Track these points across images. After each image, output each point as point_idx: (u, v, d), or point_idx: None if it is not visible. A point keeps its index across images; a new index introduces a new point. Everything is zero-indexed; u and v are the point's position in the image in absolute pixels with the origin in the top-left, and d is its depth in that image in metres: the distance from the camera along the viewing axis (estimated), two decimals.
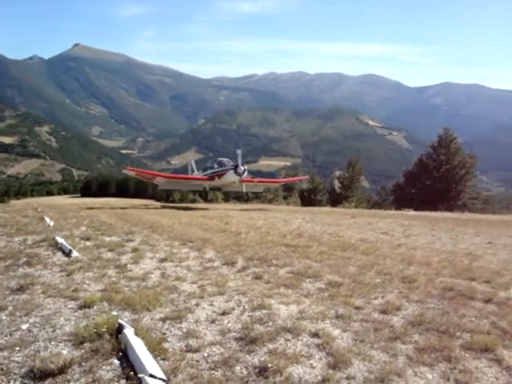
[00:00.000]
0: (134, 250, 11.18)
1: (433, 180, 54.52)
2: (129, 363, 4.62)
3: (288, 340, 5.41)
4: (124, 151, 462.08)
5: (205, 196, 40.33)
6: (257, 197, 54.02)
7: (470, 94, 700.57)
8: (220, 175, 33.89)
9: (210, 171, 35.61)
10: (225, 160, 35.30)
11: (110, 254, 10.63)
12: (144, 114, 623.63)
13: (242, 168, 32.37)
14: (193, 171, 42.29)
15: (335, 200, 57.70)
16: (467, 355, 5.11)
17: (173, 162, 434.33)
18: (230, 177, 33.20)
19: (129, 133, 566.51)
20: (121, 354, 4.82)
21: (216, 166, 35.10)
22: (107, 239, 13.05)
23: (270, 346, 5.19)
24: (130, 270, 8.96)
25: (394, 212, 32.77)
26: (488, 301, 7.20)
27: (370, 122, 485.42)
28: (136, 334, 5.12)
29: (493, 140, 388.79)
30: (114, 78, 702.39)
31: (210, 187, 37.78)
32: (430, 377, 4.61)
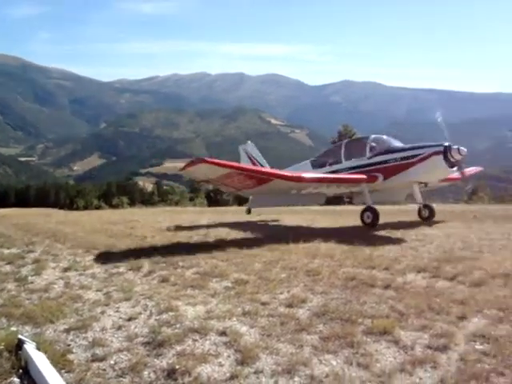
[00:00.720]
0: (35, 261, 10.79)
1: None
2: (30, 380, 4.47)
3: (196, 340, 5.43)
4: (23, 159, 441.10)
5: (373, 221, 16.56)
6: (163, 200, 53.05)
7: (368, 91, 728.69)
8: (395, 169, 16.56)
9: (348, 163, 17.87)
10: (382, 138, 18.42)
11: (8, 267, 10.20)
12: (42, 120, 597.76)
13: (464, 149, 16.00)
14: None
15: (242, 199, 58.22)
16: (368, 339, 5.35)
17: (75, 168, 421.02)
18: (433, 169, 16.27)
19: (27, 139, 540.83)
20: (21, 371, 4.64)
21: (369, 151, 17.48)
22: (6, 252, 12.49)
23: (178, 348, 5.19)
24: (31, 282, 8.64)
25: (299, 208, 33.53)
26: (387, 287, 7.57)
27: (273, 121, 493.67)
28: (38, 349, 4.95)
29: (389, 134, 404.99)
30: (8, 83, 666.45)
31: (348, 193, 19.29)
32: (334, 363, 4.78)
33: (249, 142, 24.81)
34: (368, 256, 10.34)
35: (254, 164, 23.25)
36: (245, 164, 17.75)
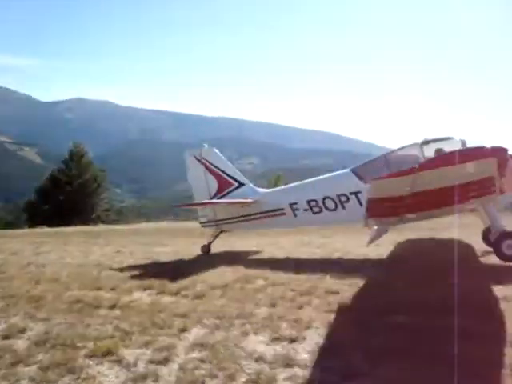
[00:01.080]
0: None
1: (66, 195, 54.82)
2: None
3: None
4: None
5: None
6: None
7: (102, 109, 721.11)
8: None
9: None
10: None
11: None
12: None
13: None
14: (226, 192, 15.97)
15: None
16: (91, 362, 5.26)
17: None
18: None
19: None
20: None
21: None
22: None
23: None
24: None
25: (25, 230, 31.73)
26: (113, 306, 7.62)
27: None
28: None
29: (124, 154, 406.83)
30: None
31: None
32: None
33: (206, 145, 16.64)
34: (95, 277, 10.35)
35: (220, 178, 16.10)
36: None
